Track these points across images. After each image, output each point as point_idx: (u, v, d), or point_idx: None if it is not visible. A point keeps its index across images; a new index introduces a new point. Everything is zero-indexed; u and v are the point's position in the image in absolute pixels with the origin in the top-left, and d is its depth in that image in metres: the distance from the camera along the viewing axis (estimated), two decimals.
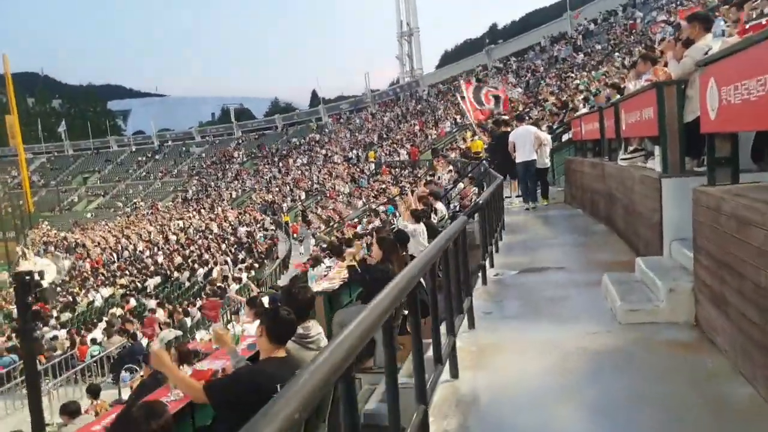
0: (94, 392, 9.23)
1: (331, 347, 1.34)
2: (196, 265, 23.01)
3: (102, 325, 14.49)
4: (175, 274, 22.81)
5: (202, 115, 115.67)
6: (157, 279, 22.67)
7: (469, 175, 14.13)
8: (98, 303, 21.19)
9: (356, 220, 22.98)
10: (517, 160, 9.60)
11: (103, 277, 26.10)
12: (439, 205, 9.90)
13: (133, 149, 66.36)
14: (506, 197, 10.23)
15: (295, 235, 26.99)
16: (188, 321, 13.77)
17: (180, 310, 14.20)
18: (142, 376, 9.49)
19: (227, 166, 54.59)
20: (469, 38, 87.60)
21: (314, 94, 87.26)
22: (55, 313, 19.43)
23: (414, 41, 53.64)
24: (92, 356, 12.02)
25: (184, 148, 63.96)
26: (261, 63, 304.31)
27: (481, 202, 4.79)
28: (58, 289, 25.78)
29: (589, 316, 3.71)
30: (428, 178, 22.10)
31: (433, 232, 7.92)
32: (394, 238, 5.40)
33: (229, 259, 21.88)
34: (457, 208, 11.81)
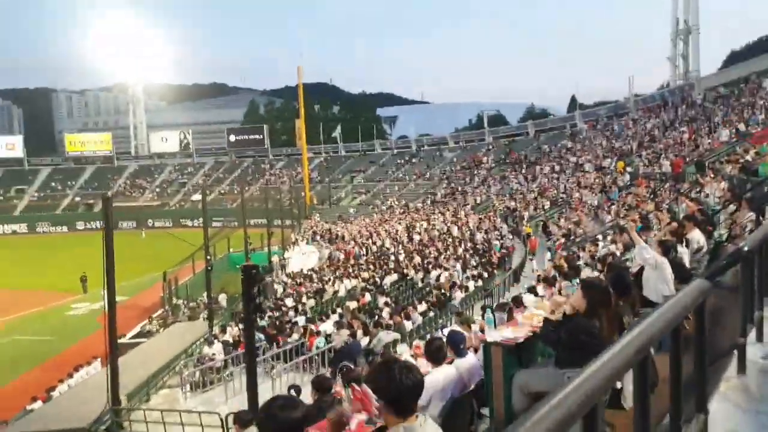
0: (318, 385, 9.60)
1: None
2: (430, 267, 23.45)
3: (335, 317, 15.45)
4: (411, 273, 23.52)
5: (461, 121, 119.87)
6: (395, 276, 23.66)
7: (747, 196, 11.18)
8: (341, 293, 23.02)
9: (599, 236, 20.54)
10: None
11: (351, 269, 28.42)
12: (696, 234, 7.86)
13: (394, 152, 71.94)
14: None
15: (533, 251, 25.54)
16: (408, 325, 13.77)
17: (402, 313, 14.32)
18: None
19: (476, 171, 55.19)
20: (765, 35, 72.67)
21: (573, 100, 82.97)
22: (304, 299, 21.63)
23: (692, 40, 46.55)
24: (317, 348, 12.85)
25: (438, 153, 66.99)
26: (519, 68, 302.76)
27: (746, 248, 3.26)
28: (314, 275, 28.84)
29: None
30: (692, 195, 18.68)
31: (679, 272, 6.27)
32: (610, 283, 4.10)
33: (458, 265, 21.65)
34: (724, 238, 9.36)
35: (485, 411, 4.55)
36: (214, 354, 14.09)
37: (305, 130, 71.63)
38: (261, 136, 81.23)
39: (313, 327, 14.34)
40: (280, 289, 27.57)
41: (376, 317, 14.76)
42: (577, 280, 10.66)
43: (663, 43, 49.54)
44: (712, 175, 20.67)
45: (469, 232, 31.95)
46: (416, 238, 34.16)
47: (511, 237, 29.27)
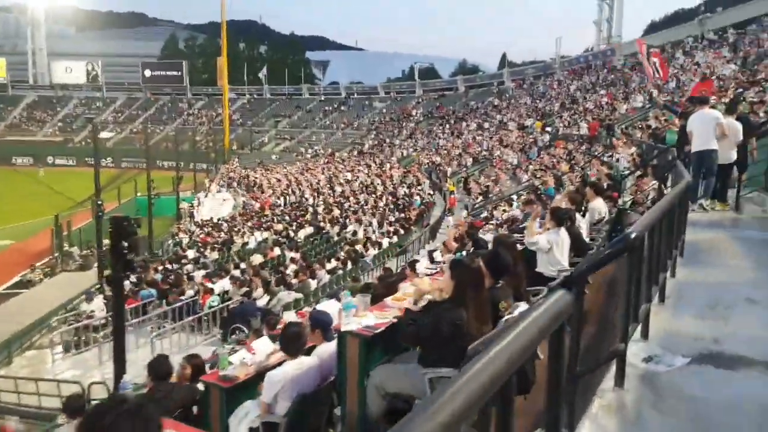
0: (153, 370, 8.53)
1: None
2: (348, 221, 22.75)
3: (237, 272, 14.44)
4: (327, 227, 22.74)
5: (395, 71, 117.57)
6: (310, 230, 22.80)
7: (653, 163, 11.15)
8: (251, 245, 21.95)
9: (514, 197, 20.56)
10: (693, 149, 7.82)
11: (265, 219, 27.25)
12: (598, 204, 7.50)
13: (322, 98, 69.63)
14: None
15: (450, 208, 25.34)
16: (313, 284, 13.05)
17: (308, 271, 13.52)
18: (246, 337, 8.82)
19: (404, 124, 54.47)
20: (682, 8, 75.18)
21: (503, 57, 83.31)
22: (208, 251, 20.38)
23: (616, 5, 47.22)
24: (210, 307, 11.86)
25: (368, 102, 65.46)
26: (454, 23, 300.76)
27: (634, 235, 2.68)
28: (225, 225, 27.47)
29: None
30: (605, 159, 18.93)
31: (578, 245, 5.84)
32: (485, 263, 3.46)
33: (375, 221, 21.10)
34: (627, 206, 9.18)
35: (337, 411, 3.90)
36: (92, 311, 12.77)
37: (228, 70, 67.68)
38: (180, 73, 76.17)
39: (209, 284, 13.28)
40: (186, 238, 26.08)
41: (281, 274, 13.95)
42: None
43: (591, 6, 50.02)
44: (624, 141, 21.02)
45: (392, 186, 31.43)
46: (338, 189, 33.32)
47: (431, 193, 29.00)
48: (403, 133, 51.57)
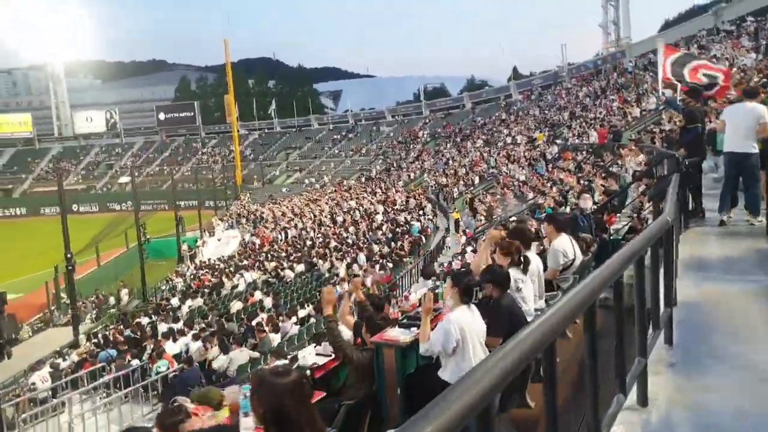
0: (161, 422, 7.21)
1: None
2: (337, 255, 21.37)
3: (196, 329, 13.00)
4: (319, 263, 21.37)
5: (406, 94, 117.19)
6: (301, 267, 21.47)
7: (652, 176, 9.52)
8: (240, 287, 20.72)
9: (513, 218, 18.85)
10: (725, 149, 6.51)
11: (262, 258, 26.05)
12: (561, 241, 5.52)
13: (330, 128, 69.12)
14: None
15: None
16: (276, 338, 11.58)
17: (271, 322, 12.10)
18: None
19: (411, 146, 53.30)
20: (698, 4, 72.66)
21: (514, 70, 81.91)
22: (190, 299, 19.04)
23: (622, 7, 45.41)
24: (157, 372, 10.46)
25: (375, 128, 64.66)
26: (461, 41, 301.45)
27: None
28: (223, 265, 26.34)
29: None
30: (612, 170, 17.20)
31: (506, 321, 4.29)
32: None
33: (361, 255, 19.66)
34: (620, 235, 7.54)
35: None
36: (33, 384, 11.47)
37: (239, 106, 68.03)
38: (192, 113, 76.85)
39: (166, 343, 11.91)
40: (180, 282, 25.01)
41: (245, 327, 12.59)
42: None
43: (596, 9, 48.31)
44: (631, 148, 19.24)
45: (392, 212, 30.03)
46: (339, 219, 32.04)
47: (431, 217, 27.44)
48: (410, 155, 50.33)
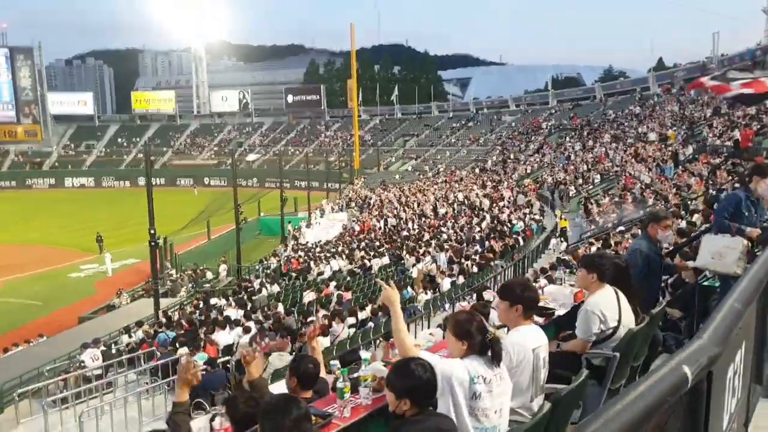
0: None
1: None
2: (430, 249, 20.22)
3: (251, 322, 12.48)
4: (406, 257, 20.38)
5: (538, 83, 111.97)
6: (386, 259, 20.61)
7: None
8: (326, 274, 20.36)
9: (621, 229, 16.36)
10: None
11: (355, 245, 25.60)
12: (598, 300, 3.71)
13: (450, 115, 67.50)
14: None
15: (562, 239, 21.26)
16: (324, 342, 10.73)
17: (318, 328, 11.28)
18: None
19: (532, 138, 50.25)
20: None
21: (660, 61, 74.40)
22: (267, 283, 18.91)
23: None
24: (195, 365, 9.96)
25: (497, 117, 62.04)
26: (601, 30, 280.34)
27: None
28: (318, 250, 26.33)
29: None
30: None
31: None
32: None
33: (442, 255, 18.28)
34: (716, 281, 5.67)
35: None
36: (83, 362, 11.26)
37: (363, 92, 68.78)
38: (318, 97, 79.27)
39: (217, 333, 11.50)
40: (274, 263, 25.37)
41: (300, 325, 11.95)
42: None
43: None
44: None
45: (497, 209, 28.14)
46: (441, 211, 30.78)
47: (539, 217, 25.20)
48: (530, 147, 47.40)
